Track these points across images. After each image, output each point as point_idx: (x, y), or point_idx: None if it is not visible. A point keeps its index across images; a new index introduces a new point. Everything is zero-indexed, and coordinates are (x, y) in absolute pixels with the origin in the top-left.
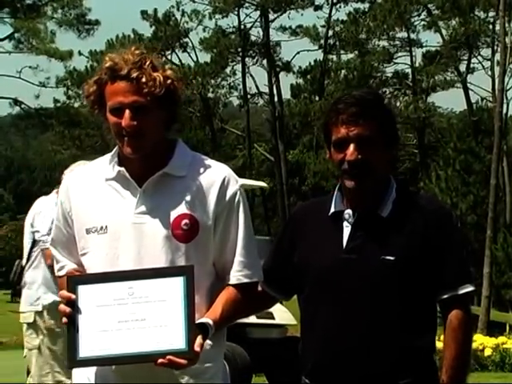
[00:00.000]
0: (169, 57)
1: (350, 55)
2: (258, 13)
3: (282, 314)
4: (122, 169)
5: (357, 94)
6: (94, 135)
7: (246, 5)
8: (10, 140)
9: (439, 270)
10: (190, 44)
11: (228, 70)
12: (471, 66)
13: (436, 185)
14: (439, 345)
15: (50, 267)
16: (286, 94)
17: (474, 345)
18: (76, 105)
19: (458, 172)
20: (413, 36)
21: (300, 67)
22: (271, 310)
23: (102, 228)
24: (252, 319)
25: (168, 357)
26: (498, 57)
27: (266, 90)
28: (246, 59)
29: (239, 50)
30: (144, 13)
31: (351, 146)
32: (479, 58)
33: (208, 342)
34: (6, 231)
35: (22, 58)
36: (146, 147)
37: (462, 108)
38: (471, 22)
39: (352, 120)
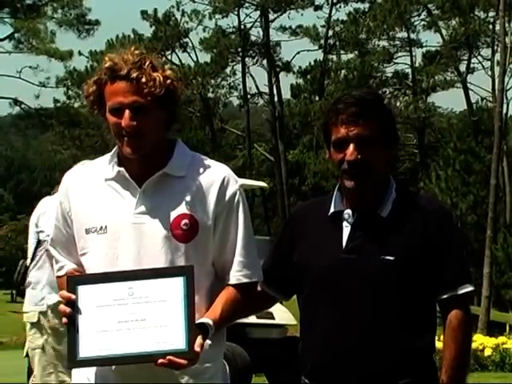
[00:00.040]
0: (169, 57)
1: (350, 55)
2: (258, 13)
3: (282, 314)
4: (122, 169)
5: (357, 94)
6: (94, 135)
7: (246, 5)
8: (9, 140)
9: (439, 270)
10: (190, 44)
11: (228, 70)
12: (471, 66)
13: (436, 185)
14: (439, 345)
15: None
16: (286, 94)
17: (474, 345)
18: (76, 105)
19: (458, 172)
20: (413, 36)
21: (300, 67)
22: (271, 309)
23: (101, 228)
24: (252, 319)
25: (168, 357)
26: (498, 57)
27: (266, 90)
28: (246, 59)
29: (239, 49)
30: (144, 13)
31: (351, 146)
32: (479, 57)
33: (208, 341)
34: (6, 231)
35: (22, 58)
36: (145, 147)
37: (462, 108)
38: (471, 22)
39: (352, 120)
